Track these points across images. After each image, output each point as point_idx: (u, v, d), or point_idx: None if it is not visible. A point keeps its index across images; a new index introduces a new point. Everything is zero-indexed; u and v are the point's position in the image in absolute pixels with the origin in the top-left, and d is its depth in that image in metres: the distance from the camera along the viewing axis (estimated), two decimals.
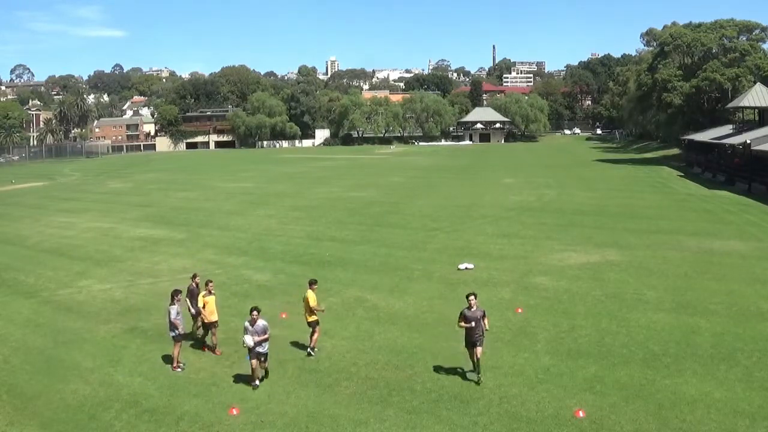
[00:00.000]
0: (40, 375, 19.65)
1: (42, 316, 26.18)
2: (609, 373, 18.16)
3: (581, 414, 15.63)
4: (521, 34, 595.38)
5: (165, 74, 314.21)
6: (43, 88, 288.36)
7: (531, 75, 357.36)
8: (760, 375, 17.76)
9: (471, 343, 17.97)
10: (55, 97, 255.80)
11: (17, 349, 22.07)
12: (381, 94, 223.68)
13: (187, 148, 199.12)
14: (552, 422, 15.48)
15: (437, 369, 19.00)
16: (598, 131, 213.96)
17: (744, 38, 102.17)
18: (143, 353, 21.22)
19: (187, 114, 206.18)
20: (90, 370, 19.88)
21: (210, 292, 21.19)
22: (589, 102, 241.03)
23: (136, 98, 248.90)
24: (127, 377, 19.32)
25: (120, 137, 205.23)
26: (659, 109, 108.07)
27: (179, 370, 19.61)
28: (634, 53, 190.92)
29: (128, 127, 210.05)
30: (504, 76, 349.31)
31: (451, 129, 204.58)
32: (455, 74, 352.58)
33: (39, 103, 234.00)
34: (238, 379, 18.78)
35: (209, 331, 21.33)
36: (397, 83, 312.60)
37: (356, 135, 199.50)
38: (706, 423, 15.15)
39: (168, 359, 20.18)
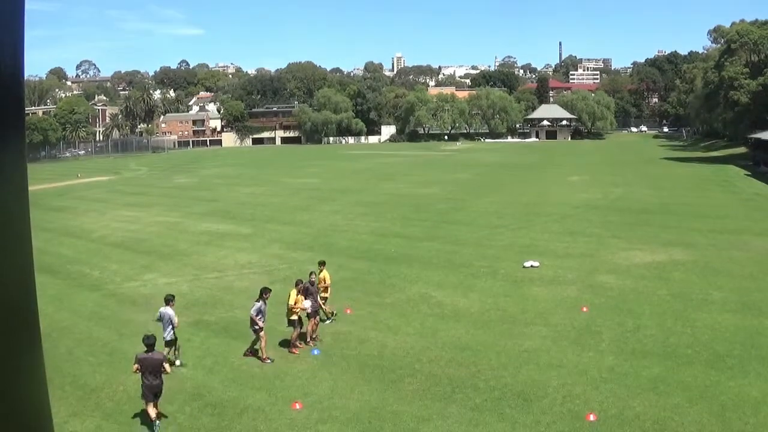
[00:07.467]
0: (104, 366, 19.80)
1: (107, 308, 26.49)
2: (673, 374, 17.89)
3: (592, 418, 15.44)
4: (587, 31, 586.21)
5: (231, 70, 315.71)
6: (108, 83, 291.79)
7: (597, 72, 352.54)
8: None
9: None
10: (121, 92, 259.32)
11: (81, 341, 22.28)
12: (447, 90, 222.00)
13: (253, 143, 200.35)
14: (615, 422, 15.25)
15: (501, 367, 18.85)
16: (665, 129, 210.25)
17: None
18: (207, 347, 21.30)
19: (254, 110, 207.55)
20: None
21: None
22: (656, 100, 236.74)
23: (203, 94, 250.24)
24: (190, 370, 19.41)
25: (186, 132, 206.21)
26: (726, 107, 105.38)
27: (269, 362, 19.71)
28: (701, 50, 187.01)
29: (194, 122, 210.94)
30: (570, 72, 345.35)
31: (517, 126, 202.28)
32: (521, 71, 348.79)
33: (105, 98, 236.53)
34: (302, 373, 18.73)
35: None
36: (463, 80, 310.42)
37: (422, 131, 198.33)
38: None
39: (232, 353, 20.20)
